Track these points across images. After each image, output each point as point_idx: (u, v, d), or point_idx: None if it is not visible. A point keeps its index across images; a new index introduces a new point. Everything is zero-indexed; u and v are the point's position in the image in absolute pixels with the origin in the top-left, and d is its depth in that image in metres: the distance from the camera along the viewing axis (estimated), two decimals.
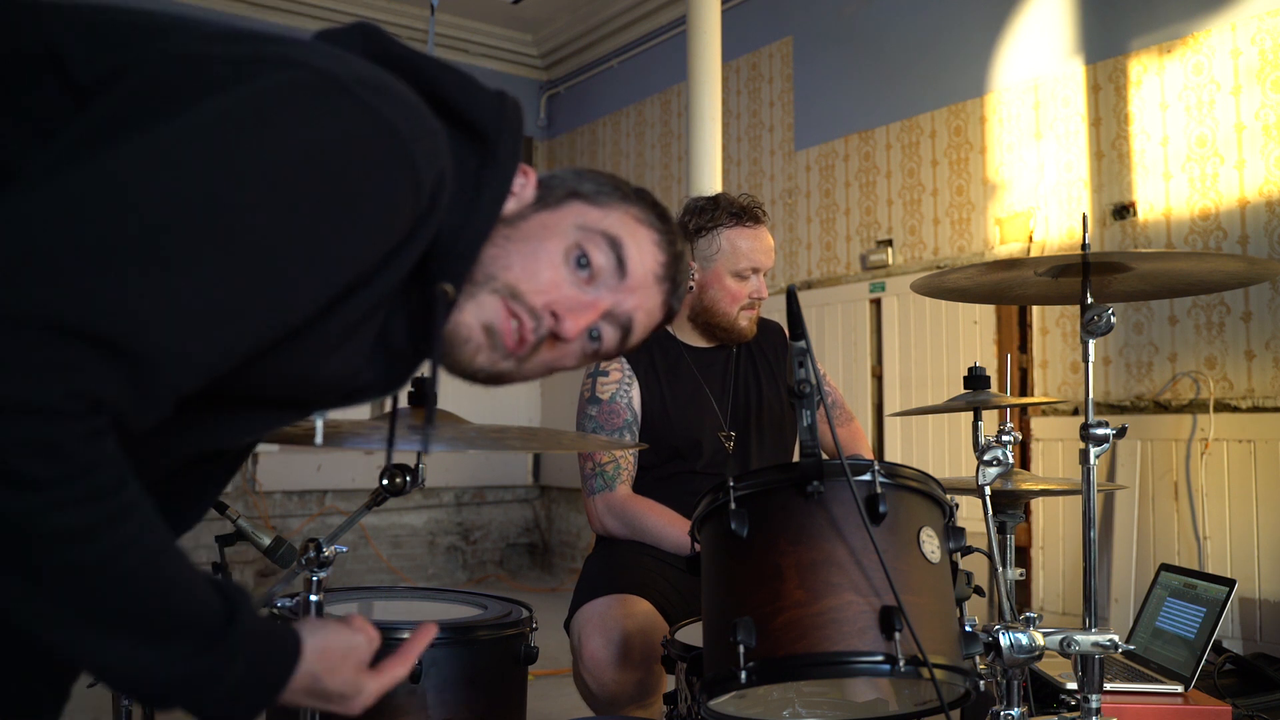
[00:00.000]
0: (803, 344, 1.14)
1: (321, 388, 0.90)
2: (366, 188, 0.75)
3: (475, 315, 0.91)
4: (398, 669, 0.95)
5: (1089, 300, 1.46)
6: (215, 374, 0.73)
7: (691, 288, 2.17)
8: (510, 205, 0.94)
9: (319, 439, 1.02)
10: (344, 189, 0.74)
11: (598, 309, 0.95)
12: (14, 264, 0.63)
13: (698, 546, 1.31)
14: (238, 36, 0.80)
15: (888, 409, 4.47)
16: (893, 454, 4.39)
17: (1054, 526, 3.86)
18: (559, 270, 0.93)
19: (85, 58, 0.76)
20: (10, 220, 0.65)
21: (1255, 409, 3.38)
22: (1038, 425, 3.90)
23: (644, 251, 0.97)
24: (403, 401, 1.31)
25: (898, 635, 1.09)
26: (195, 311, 0.68)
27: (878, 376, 4.56)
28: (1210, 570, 3.17)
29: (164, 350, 0.67)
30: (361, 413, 4.58)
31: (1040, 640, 1.29)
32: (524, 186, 0.95)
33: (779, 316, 1.90)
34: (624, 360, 2.16)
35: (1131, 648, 1.54)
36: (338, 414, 1.15)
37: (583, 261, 0.94)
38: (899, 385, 4.42)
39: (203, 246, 0.68)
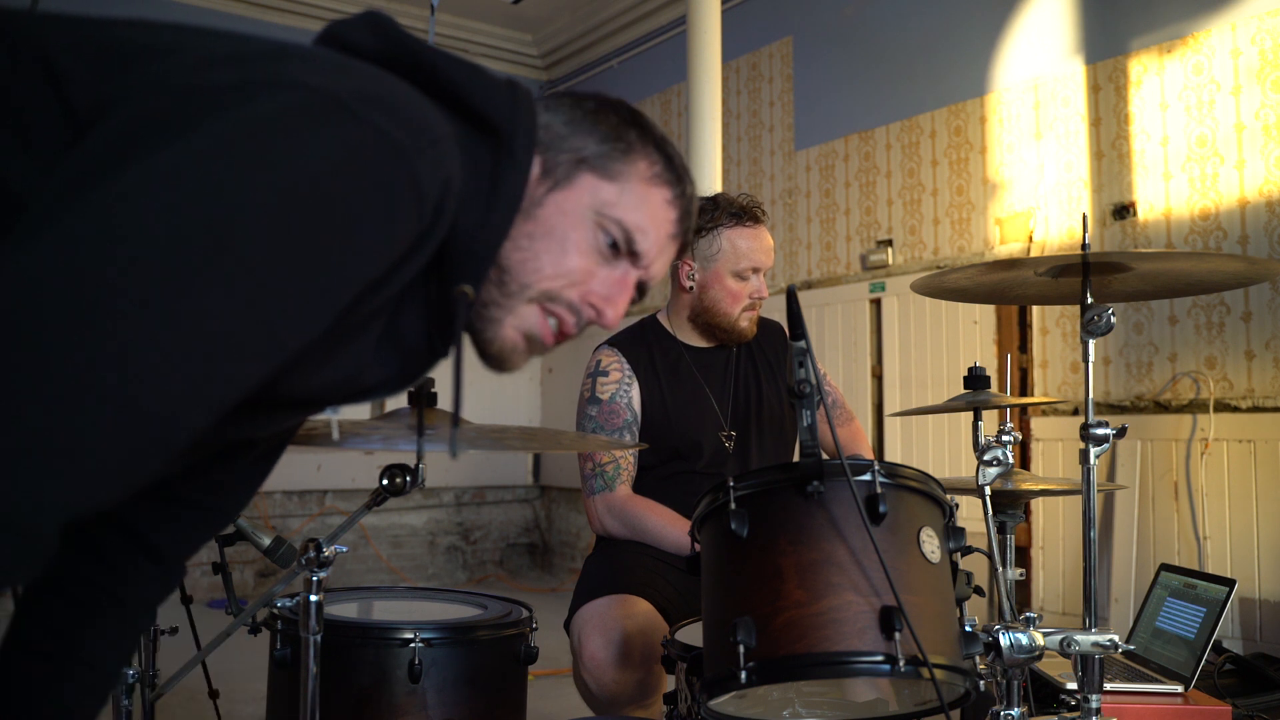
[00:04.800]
0: (803, 344, 1.14)
1: (322, 392, 0.89)
2: (368, 210, 0.74)
3: (516, 327, 0.92)
4: None
5: (1089, 300, 1.46)
6: (225, 409, 0.72)
7: (691, 288, 2.17)
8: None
9: (335, 435, 1.02)
10: (345, 214, 0.73)
11: (629, 287, 0.96)
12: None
13: (698, 546, 1.31)
14: (235, 58, 0.78)
15: (888, 409, 4.47)
16: (893, 454, 4.39)
17: (1054, 526, 3.86)
18: (589, 256, 0.93)
19: (83, 78, 0.75)
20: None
21: (1255, 409, 3.38)
22: (1038, 425, 3.90)
23: (658, 219, 0.96)
24: (404, 401, 1.31)
25: (898, 635, 1.09)
26: (200, 360, 0.67)
27: (878, 376, 4.56)
28: (1210, 570, 3.17)
29: (171, 406, 0.66)
30: (362, 413, 4.57)
31: (1040, 640, 1.29)
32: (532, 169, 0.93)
33: (779, 316, 1.90)
34: (624, 360, 2.16)
35: (1131, 648, 1.54)
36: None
37: (608, 241, 0.94)
38: (899, 385, 4.43)
39: (202, 292, 0.66)
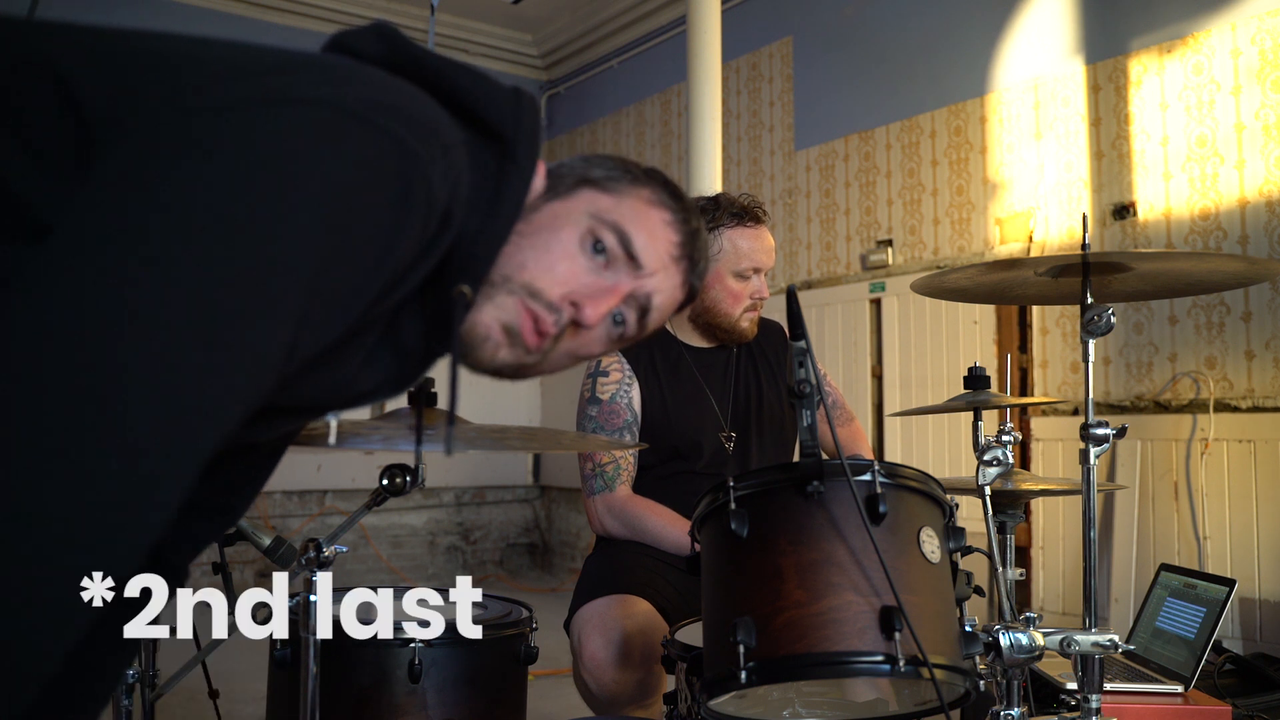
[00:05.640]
0: (803, 344, 1.14)
1: (319, 399, 0.89)
2: (385, 217, 0.75)
3: (493, 315, 0.90)
4: None
5: (1089, 300, 1.46)
6: (246, 415, 0.73)
7: None
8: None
9: (332, 439, 1.01)
10: (365, 224, 0.73)
11: (619, 293, 0.94)
12: (36, 383, 0.61)
13: (698, 546, 1.31)
14: (247, 72, 0.78)
15: (888, 409, 4.47)
16: (893, 454, 4.39)
17: (1054, 526, 3.86)
18: (575, 259, 0.92)
19: (90, 84, 0.75)
20: (19, 339, 0.63)
21: (1255, 409, 3.38)
22: (1038, 425, 3.90)
23: (656, 235, 0.95)
24: (404, 402, 1.31)
25: (898, 635, 1.09)
26: (235, 375, 0.68)
27: (878, 376, 4.56)
28: (1210, 570, 3.17)
29: (216, 426, 0.67)
30: (362, 412, 4.59)
31: (1040, 640, 1.29)
32: (534, 177, 0.93)
33: (779, 316, 1.90)
34: (624, 360, 2.16)
35: (1131, 648, 1.54)
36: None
37: (599, 247, 0.93)
38: (899, 385, 4.42)
39: (232, 310, 0.67)
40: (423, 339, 0.91)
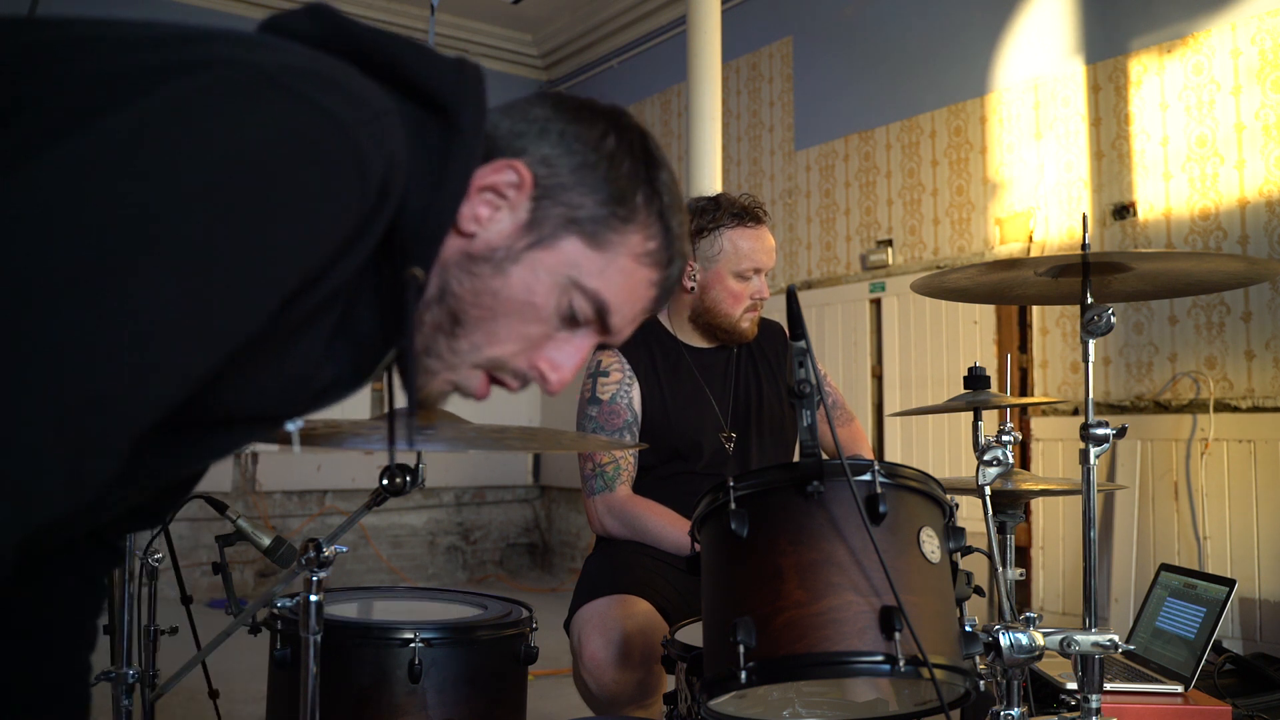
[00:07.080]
0: (803, 344, 1.14)
1: (279, 394, 0.86)
2: (308, 185, 0.70)
3: (449, 381, 0.90)
4: None
5: (1089, 300, 1.46)
6: (171, 407, 0.68)
7: (693, 289, 2.17)
8: (506, 224, 0.86)
9: (296, 448, 1.00)
10: (283, 191, 0.69)
11: (584, 352, 0.92)
12: None
13: (698, 546, 1.31)
14: (157, 42, 0.74)
15: (888, 409, 4.47)
16: (893, 454, 4.40)
17: (1054, 526, 3.86)
18: (548, 324, 0.89)
19: (6, 86, 0.71)
20: None
21: (1255, 409, 3.38)
22: (1038, 425, 3.90)
23: (637, 297, 0.91)
24: (404, 401, 1.31)
25: (898, 635, 1.09)
26: (140, 355, 0.63)
27: (878, 376, 4.57)
28: (1210, 570, 3.17)
29: (113, 399, 0.62)
30: (361, 412, 4.61)
31: (1040, 640, 1.29)
32: (518, 190, 0.86)
33: (779, 316, 1.90)
34: (624, 361, 2.16)
35: (1131, 648, 1.54)
36: (337, 413, 1.14)
37: (572, 315, 0.90)
38: (899, 385, 4.43)
39: (135, 281, 0.62)
40: (379, 328, 0.87)
